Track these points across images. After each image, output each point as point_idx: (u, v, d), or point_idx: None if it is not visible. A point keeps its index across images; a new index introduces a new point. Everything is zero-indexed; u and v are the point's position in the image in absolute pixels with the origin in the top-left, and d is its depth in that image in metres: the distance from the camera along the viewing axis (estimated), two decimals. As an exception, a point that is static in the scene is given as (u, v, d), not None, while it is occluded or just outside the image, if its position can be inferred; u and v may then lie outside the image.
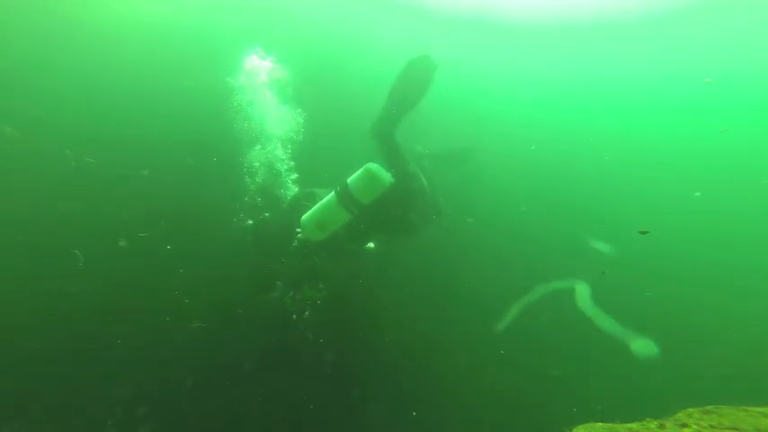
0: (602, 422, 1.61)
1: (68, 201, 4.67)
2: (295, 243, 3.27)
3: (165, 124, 5.79)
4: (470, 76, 10.66)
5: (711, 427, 1.38)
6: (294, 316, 3.45)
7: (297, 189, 3.98)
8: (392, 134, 3.25)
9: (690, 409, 1.52)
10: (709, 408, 1.50)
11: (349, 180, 3.11)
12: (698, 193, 8.23)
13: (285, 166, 4.15)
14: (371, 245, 3.63)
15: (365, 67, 8.92)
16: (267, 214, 3.58)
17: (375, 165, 3.10)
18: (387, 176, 3.09)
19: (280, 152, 4.22)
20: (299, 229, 3.22)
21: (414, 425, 4.20)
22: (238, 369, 3.96)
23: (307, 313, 3.62)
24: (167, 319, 4.03)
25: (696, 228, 8.50)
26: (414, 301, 5.26)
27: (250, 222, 3.55)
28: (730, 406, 1.49)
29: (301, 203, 3.41)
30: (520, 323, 5.63)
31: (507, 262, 6.62)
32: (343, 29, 9.53)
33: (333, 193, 3.14)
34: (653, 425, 1.52)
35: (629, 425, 1.57)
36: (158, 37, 6.93)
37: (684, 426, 1.43)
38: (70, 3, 6.42)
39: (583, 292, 4.75)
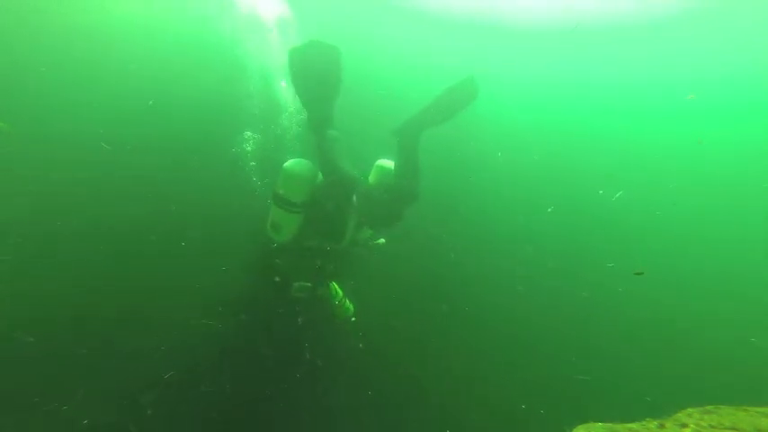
0: (602, 422, 1.62)
1: (66, 200, 4.66)
2: (275, 245, 3.25)
3: (165, 124, 5.80)
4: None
5: (711, 427, 1.38)
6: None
7: None
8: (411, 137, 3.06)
9: (690, 409, 1.53)
10: (709, 408, 1.50)
11: (276, 183, 3.07)
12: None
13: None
14: (382, 240, 3.58)
15: (366, 69, 8.93)
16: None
17: (293, 162, 3.01)
18: (307, 171, 2.98)
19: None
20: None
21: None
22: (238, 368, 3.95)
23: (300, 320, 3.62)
24: (193, 321, 4.01)
25: (699, 233, 8.53)
26: (406, 305, 5.25)
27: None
28: (730, 406, 1.49)
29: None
30: (515, 326, 5.64)
31: (505, 264, 6.63)
32: (344, 30, 9.55)
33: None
34: (653, 425, 1.52)
35: (629, 425, 1.57)
36: (155, 39, 6.94)
37: (684, 426, 1.43)
38: (66, 4, 6.42)
39: None
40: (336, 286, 3.50)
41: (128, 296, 4.12)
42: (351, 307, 3.66)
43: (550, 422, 2.16)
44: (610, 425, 1.60)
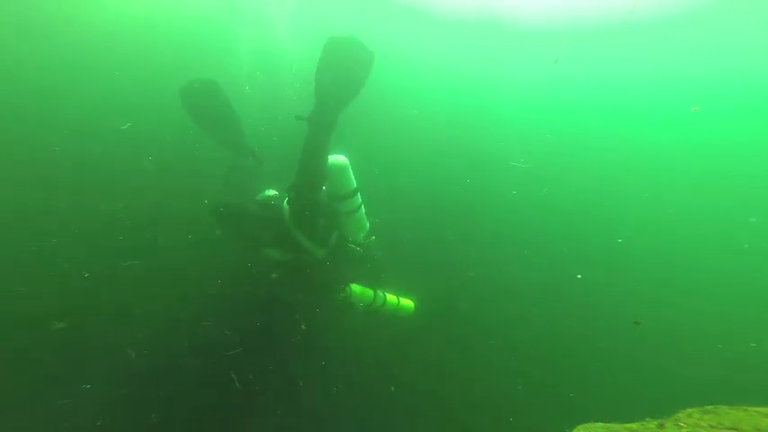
0: (602, 422, 1.62)
1: (67, 195, 4.65)
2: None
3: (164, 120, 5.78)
4: (476, 80, 10.69)
5: (711, 427, 1.38)
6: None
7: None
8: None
9: (690, 410, 1.53)
10: (708, 408, 1.50)
11: None
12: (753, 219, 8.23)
13: None
14: (373, 237, 3.54)
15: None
16: None
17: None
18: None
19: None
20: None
21: None
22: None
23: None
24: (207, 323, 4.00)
25: (700, 234, 8.52)
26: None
27: None
28: (730, 406, 1.49)
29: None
30: (515, 327, 5.64)
31: (504, 265, 6.63)
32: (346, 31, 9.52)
33: None
34: (653, 425, 1.52)
35: (629, 425, 1.57)
36: (155, 34, 6.93)
37: (684, 425, 1.43)
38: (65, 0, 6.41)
39: None
40: (361, 288, 3.41)
41: (134, 293, 4.12)
42: (407, 305, 3.60)
43: (550, 422, 2.16)
44: (610, 425, 1.60)
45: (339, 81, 2.76)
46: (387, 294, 3.55)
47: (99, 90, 5.72)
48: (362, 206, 3.22)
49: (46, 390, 3.41)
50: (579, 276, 6.13)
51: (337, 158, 3.03)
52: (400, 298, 3.63)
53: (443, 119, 8.52)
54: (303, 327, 3.62)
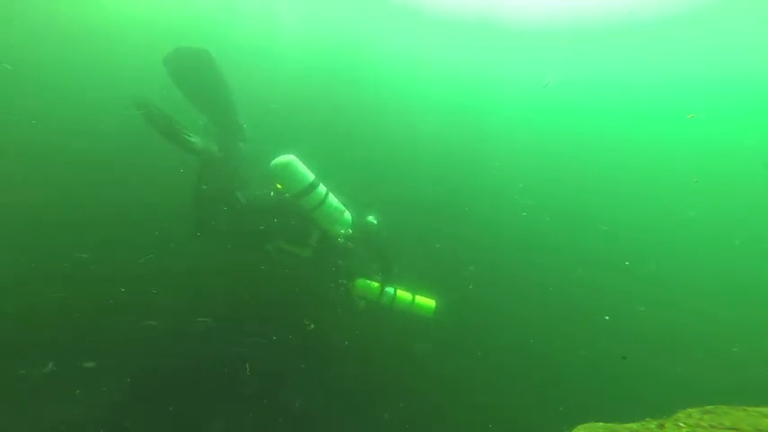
0: (602, 422, 1.62)
1: (67, 192, 4.65)
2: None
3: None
4: (475, 80, 10.69)
5: (711, 426, 1.38)
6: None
7: None
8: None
9: (690, 410, 1.53)
10: (708, 408, 1.51)
11: None
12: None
13: None
14: (349, 231, 3.46)
15: (368, 71, 8.93)
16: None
17: None
18: None
19: None
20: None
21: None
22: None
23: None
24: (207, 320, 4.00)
25: (700, 234, 8.52)
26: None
27: None
28: (730, 406, 1.49)
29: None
30: (515, 327, 5.63)
31: (504, 265, 6.63)
32: (345, 31, 9.54)
33: None
34: (653, 425, 1.52)
35: (629, 425, 1.57)
36: (155, 35, 6.93)
37: (684, 425, 1.44)
38: (65, 1, 6.41)
39: None
40: (365, 284, 3.32)
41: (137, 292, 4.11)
42: (424, 304, 3.40)
43: (551, 422, 2.16)
44: (610, 425, 1.60)
45: (198, 88, 2.92)
46: (399, 292, 3.37)
47: (98, 89, 5.73)
48: (329, 199, 3.09)
49: (51, 389, 3.41)
50: (607, 318, 6.02)
51: (281, 158, 2.95)
52: (416, 296, 3.42)
53: (443, 119, 8.52)
54: (311, 326, 3.61)
